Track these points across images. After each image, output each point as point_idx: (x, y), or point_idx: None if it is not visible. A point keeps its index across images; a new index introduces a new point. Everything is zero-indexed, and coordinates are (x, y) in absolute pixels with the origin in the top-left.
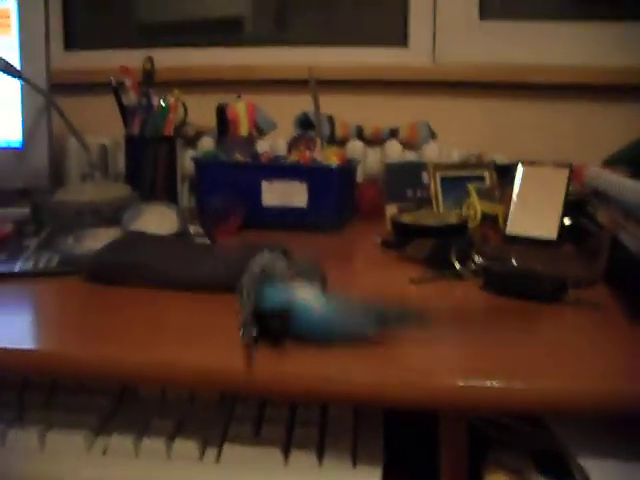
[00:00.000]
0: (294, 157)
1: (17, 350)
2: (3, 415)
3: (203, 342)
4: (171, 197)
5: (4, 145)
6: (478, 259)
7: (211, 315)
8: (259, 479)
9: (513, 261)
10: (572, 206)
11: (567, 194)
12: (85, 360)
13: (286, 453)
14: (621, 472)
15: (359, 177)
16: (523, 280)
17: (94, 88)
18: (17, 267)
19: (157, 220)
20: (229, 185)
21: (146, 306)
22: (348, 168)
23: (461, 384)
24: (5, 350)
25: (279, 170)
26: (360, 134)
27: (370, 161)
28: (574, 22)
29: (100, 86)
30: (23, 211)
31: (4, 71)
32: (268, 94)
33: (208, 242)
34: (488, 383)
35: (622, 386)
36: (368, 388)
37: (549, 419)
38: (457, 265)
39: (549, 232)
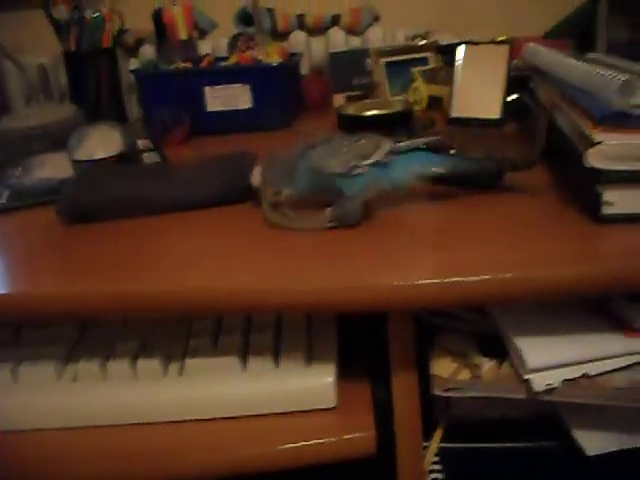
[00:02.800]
0: (234, 59)
1: None
2: None
3: (155, 267)
4: (119, 111)
5: None
6: None
7: (160, 240)
8: (219, 386)
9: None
10: (515, 82)
11: (509, 71)
12: (48, 296)
13: (244, 360)
14: (549, 348)
15: (304, 69)
16: None
17: (22, 3)
18: None
19: (102, 142)
20: (172, 94)
21: (107, 237)
22: (291, 64)
23: (403, 283)
24: None
25: (220, 74)
26: (302, 24)
27: (314, 51)
28: None
29: (28, 1)
30: None
31: None
32: None
33: (157, 158)
34: (430, 279)
35: (555, 271)
36: (316, 295)
37: (490, 306)
38: None
39: (493, 112)
